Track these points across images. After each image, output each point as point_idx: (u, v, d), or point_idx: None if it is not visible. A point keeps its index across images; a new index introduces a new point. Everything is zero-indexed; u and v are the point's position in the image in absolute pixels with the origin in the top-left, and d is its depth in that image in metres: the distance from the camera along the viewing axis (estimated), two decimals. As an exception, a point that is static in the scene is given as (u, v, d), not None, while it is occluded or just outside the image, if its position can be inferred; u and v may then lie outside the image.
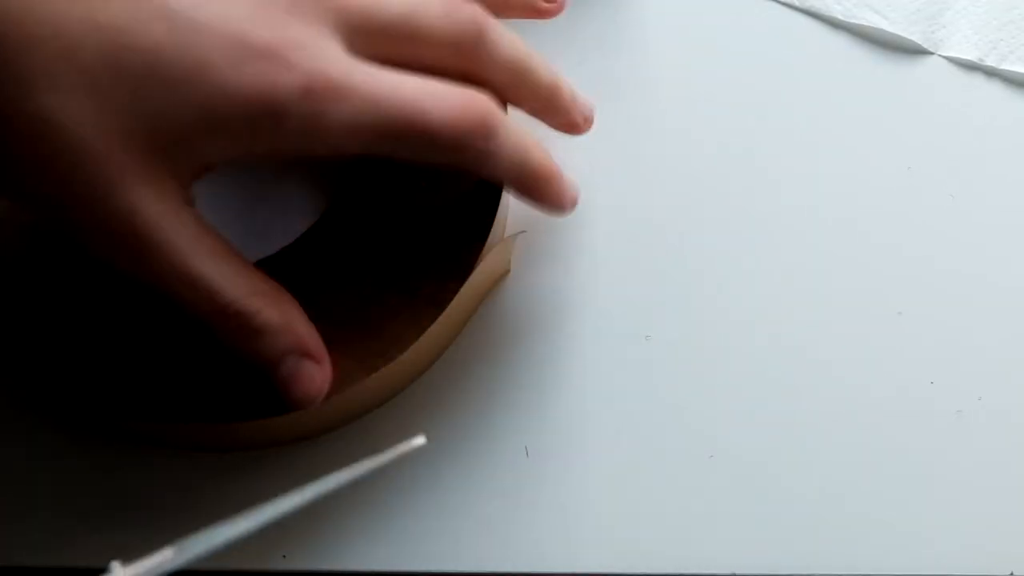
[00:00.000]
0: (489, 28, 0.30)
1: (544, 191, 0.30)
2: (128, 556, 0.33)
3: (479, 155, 0.28)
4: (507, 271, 0.35)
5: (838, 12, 0.38)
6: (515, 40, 0.31)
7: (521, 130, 0.29)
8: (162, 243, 0.27)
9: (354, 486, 0.33)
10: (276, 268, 0.32)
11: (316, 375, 0.29)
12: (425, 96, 0.27)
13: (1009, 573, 0.33)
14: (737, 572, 0.33)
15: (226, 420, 0.31)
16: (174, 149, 0.26)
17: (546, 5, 0.34)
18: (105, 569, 0.21)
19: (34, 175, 0.26)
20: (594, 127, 0.33)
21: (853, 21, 0.38)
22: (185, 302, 0.28)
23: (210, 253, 0.27)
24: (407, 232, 0.33)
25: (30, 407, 0.34)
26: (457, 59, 0.29)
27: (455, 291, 0.31)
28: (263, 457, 0.34)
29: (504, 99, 0.31)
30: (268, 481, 0.33)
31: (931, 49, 0.38)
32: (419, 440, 0.25)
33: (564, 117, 0.33)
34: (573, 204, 0.31)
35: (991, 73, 0.38)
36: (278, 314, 0.28)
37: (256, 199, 0.34)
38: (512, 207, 0.35)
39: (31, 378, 0.31)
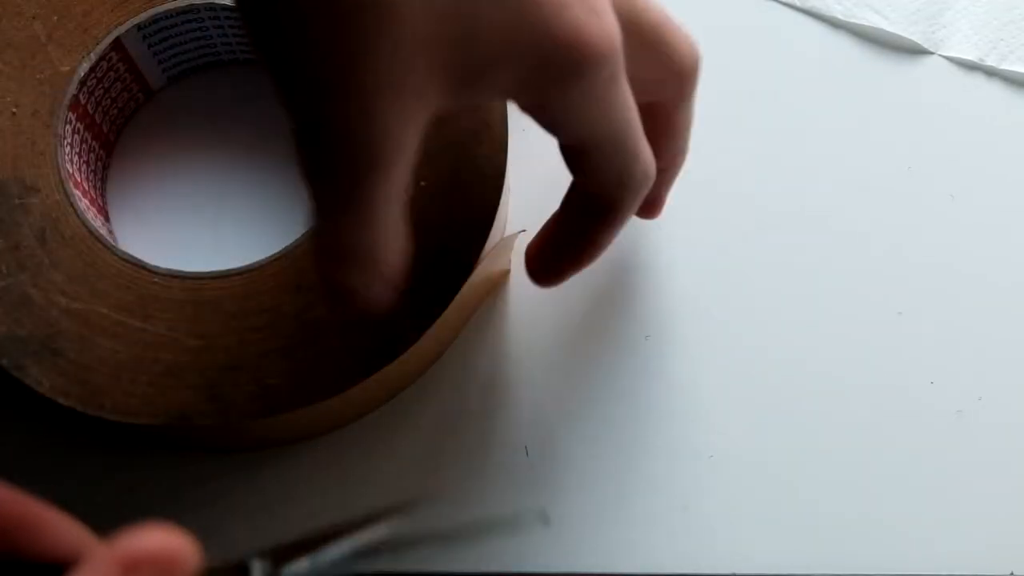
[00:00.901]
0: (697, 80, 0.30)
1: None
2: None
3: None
4: (507, 271, 0.35)
5: (838, 12, 0.38)
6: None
7: None
8: (380, 164, 0.24)
9: (352, 487, 0.33)
10: (276, 270, 0.32)
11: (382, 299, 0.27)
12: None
13: (1009, 573, 0.33)
14: (737, 572, 0.33)
15: (229, 420, 0.31)
16: (466, 64, 0.24)
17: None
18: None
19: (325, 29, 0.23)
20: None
21: (853, 21, 0.38)
22: (334, 225, 0.25)
23: (398, 202, 0.25)
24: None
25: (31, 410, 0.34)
26: (672, 87, 0.30)
27: (456, 291, 0.31)
28: (264, 457, 0.34)
29: (660, 155, 0.30)
30: (269, 481, 0.33)
31: (931, 49, 0.38)
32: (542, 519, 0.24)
33: (659, 196, 0.34)
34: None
35: (991, 73, 0.38)
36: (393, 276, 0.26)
37: (263, 205, 0.35)
38: (512, 206, 0.35)
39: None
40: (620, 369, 0.34)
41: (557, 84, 0.25)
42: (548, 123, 0.27)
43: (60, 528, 0.21)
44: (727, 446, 0.34)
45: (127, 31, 0.33)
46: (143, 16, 0.33)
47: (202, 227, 0.35)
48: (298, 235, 0.32)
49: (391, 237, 0.26)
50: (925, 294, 0.35)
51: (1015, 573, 0.33)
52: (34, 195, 0.32)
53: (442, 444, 0.34)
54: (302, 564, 0.22)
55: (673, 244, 0.36)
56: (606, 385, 0.34)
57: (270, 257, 0.32)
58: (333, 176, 0.25)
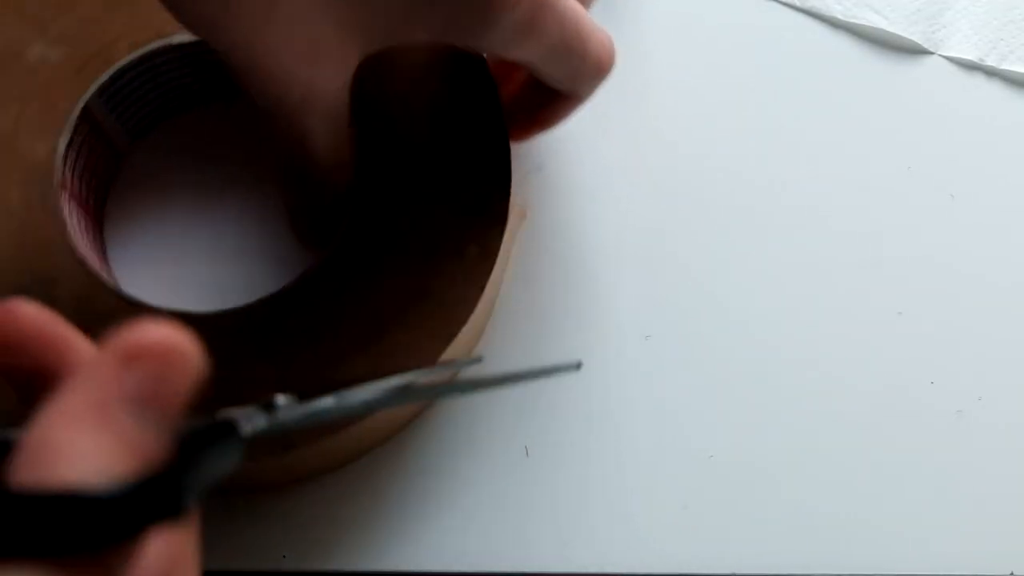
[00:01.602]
0: None
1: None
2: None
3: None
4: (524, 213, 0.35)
5: (838, 12, 0.38)
6: None
7: None
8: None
9: (352, 487, 0.33)
10: (331, 265, 0.31)
11: None
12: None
13: (1009, 573, 0.33)
14: (737, 572, 0.33)
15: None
16: (377, 26, 0.26)
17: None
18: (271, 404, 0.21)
19: None
20: (593, 127, 0.33)
21: (853, 21, 0.38)
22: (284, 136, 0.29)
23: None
24: (435, 205, 0.32)
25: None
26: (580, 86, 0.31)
27: (499, 241, 0.31)
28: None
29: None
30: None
31: (931, 49, 0.38)
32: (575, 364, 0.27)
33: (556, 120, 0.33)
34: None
35: (991, 73, 0.38)
36: None
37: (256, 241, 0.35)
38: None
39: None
40: (620, 369, 0.34)
41: (472, 33, 0.26)
42: (485, 52, 0.28)
43: (83, 351, 0.21)
44: (727, 446, 0.34)
45: (91, 97, 0.32)
46: (105, 76, 0.32)
47: (199, 266, 0.35)
48: (292, 274, 0.32)
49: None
50: (925, 294, 0.35)
51: (1015, 573, 0.33)
52: (56, 286, 0.31)
53: (442, 444, 0.34)
54: (327, 400, 0.22)
55: (673, 244, 0.36)
56: (606, 385, 0.34)
57: (261, 298, 0.31)
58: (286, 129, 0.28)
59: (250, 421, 0.19)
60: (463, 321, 0.30)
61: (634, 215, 0.36)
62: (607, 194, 0.36)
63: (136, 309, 0.31)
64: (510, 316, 0.35)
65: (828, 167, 0.37)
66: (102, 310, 0.30)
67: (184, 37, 0.33)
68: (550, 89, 0.31)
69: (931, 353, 0.35)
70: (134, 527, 0.16)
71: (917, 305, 0.35)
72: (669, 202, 0.36)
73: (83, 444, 0.16)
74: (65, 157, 0.32)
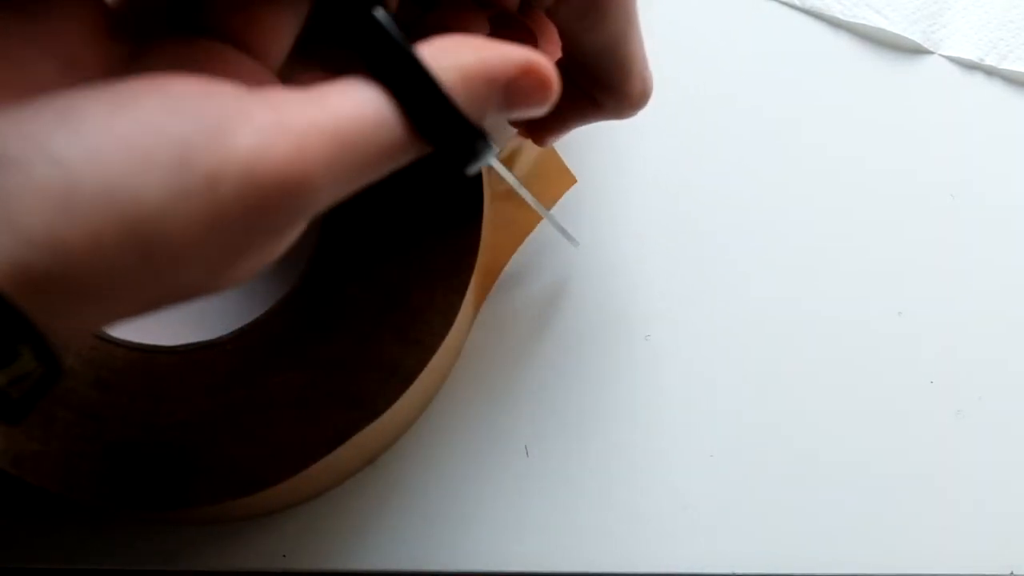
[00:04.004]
0: None
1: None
2: (128, 556, 0.33)
3: None
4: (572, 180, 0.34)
5: (838, 12, 0.38)
6: None
7: None
8: None
9: (352, 487, 0.33)
10: (302, 294, 0.31)
11: None
12: None
13: (1009, 573, 0.33)
14: (737, 572, 0.33)
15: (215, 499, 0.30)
16: None
17: None
18: None
19: None
20: (593, 129, 0.33)
21: (853, 21, 0.38)
22: None
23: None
24: (408, 222, 0.32)
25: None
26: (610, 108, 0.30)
27: (475, 253, 0.31)
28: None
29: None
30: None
31: (931, 48, 0.38)
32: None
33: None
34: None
35: (991, 72, 0.38)
36: None
37: None
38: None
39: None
40: (620, 369, 0.34)
41: None
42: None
43: None
44: (727, 446, 0.34)
45: None
46: None
47: None
48: (261, 309, 0.31)
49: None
50: (925, 294, 0.35)
51: (1015, 573, 0.33)
52: None
53: (443, 444, 0.34)
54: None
55: (673, 244, 0.36)
56: (606, 385, 0.34)
57: (232, 333, 0.31)
58: None
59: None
60: (443, 335, 0.30)
61: (634, 215, 0.36)
62: (607, 194, 0.36)
63: (108, 345, 0.31)
64: (510, 315, 0.35)
65: (828, 167, 0.37)
66: (76, 350, 0.31)
67: None
68: (579, 92, 0.30)
69: (931, 353, 0.35)
70: None
71: (917, 305, 0.35)
72: (669, 202, 0.36)
73: None
74: None
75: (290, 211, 0.19)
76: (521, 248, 0.35)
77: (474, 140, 0.21)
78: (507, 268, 0.35)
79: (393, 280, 0.31)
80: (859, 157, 0.37)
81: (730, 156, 0.37)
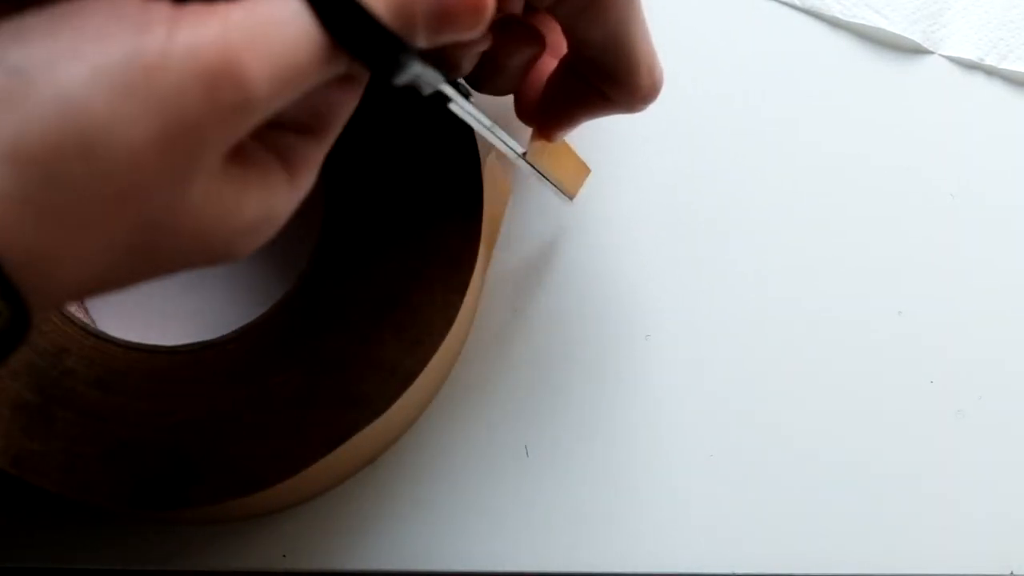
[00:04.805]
0: None
1: None
2: (128, 556, 0.33)
3: None
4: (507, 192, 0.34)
5: (838, 12, 0.38)
6: None
7: None
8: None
9: (352, 487, 0.33)
10: (304, 292, 0.31)
11: None
12: None
13: (1009, 573, 0.33)
14: (737, 572, 0.33)
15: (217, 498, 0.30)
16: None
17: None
18: None
19: None
20: (593, 129, 0.33)
21: (853, 21, 0.38)
22: None
23: None
24: (406, 233, 0.32)
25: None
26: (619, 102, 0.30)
27: (476, 247, 0.31)
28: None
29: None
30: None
31: (931, 48, 0.38)
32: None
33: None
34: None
35: (991, 72, 0.38)
36: None
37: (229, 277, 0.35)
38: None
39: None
40: (620, 369, 0.34)
41: None
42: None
43: None
44: (727, 446, 0.34)
45: None
46: None
47: (167, 300, 0.35)
48: (261, 309, 0.31)
49: None
50: (925, 294, 0.35)
51: (1015, 573, 0.33)
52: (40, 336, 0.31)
53: (443, 444, 0.34)
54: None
55: (673, 243, 0.36)
56: (606, 385, 0.34)
57: (232, 332, 0.31)
58: None
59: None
60: (443, 335, 0.30)
61: (633, 214, 0.36)
62: (606, 194, 0.36)
63: (108, 345, 0.31)
64: (510, 315, 0.35)
65: (828, 167, 0.37)
66: (76, 350, 0.31)
67: None
68: (587, 86, 0.30)
69: (931, 353, 0.35)
70: None
71: (917, 305, 0.35)
72: (668, 202, 0.36)
73: None
74: None
75: (230, 103, 0.20)
76: (521, 248, 0.35)
77: (396, 51, 0.21)
78: (507, 267, 0.35)
79: (393, 279, 0.31)
80: (859, 157, 0.37)
81: (730, 156, 0.37)
